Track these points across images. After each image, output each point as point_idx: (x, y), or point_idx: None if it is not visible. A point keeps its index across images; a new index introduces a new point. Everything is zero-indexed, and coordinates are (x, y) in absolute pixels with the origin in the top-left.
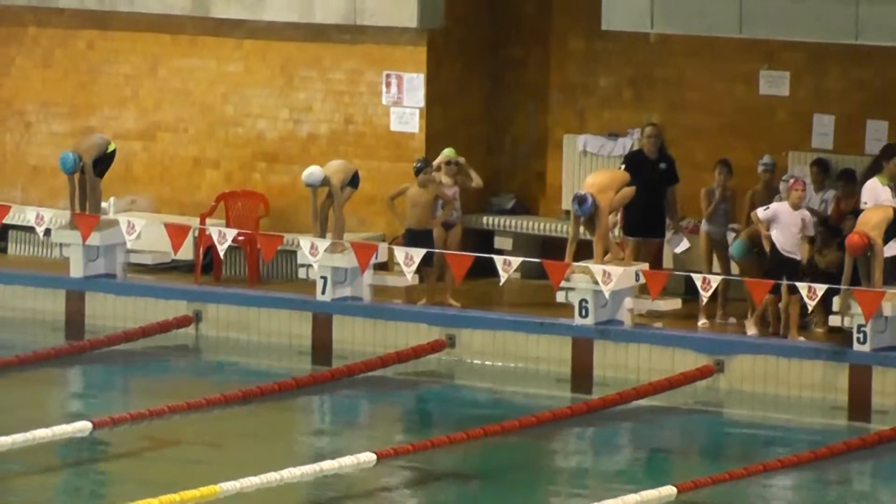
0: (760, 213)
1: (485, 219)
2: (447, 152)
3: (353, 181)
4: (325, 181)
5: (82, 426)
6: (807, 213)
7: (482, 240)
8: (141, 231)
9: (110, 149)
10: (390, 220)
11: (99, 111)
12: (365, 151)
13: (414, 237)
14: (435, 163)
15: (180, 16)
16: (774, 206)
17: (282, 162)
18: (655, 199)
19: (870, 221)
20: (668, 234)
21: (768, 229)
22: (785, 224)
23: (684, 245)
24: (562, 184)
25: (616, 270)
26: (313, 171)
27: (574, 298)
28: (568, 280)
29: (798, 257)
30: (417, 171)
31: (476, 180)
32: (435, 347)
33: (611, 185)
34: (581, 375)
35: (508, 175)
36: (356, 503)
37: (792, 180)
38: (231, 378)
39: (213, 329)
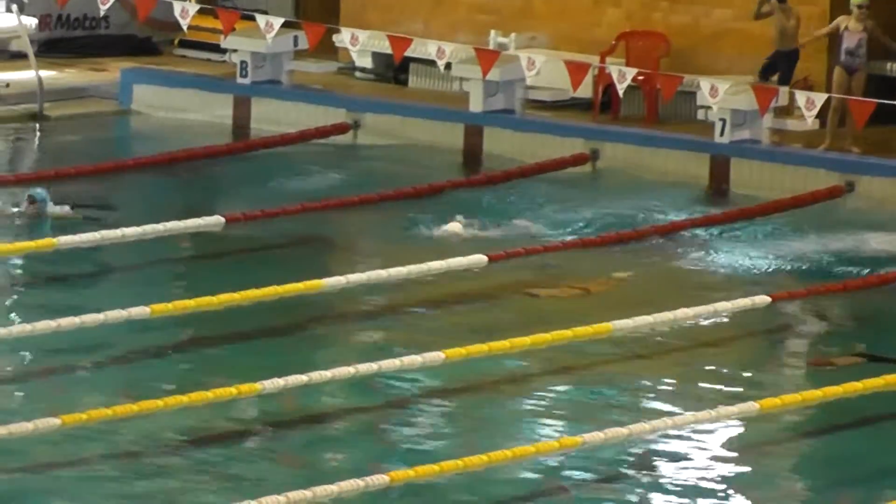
0: None
1: (889, 65)
2: None
3: None
4: None
5: (478, 260)
6: None
7: (886, 86)
8: (541, 68)
9: None
10: None
11: None
12: None
13: (779, 56)
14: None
15: None
16: None
17: (683, 2)
18: None
19: None
20: None
21: None
22: None
23: None
24: None
25: None
26: None
27: None
28: None
29: None
30: None
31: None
32: (833, 193)
33: None
34: None
35: None
36: (755, 338)
37: None
38: (623, 217)
39: (610, 167)
